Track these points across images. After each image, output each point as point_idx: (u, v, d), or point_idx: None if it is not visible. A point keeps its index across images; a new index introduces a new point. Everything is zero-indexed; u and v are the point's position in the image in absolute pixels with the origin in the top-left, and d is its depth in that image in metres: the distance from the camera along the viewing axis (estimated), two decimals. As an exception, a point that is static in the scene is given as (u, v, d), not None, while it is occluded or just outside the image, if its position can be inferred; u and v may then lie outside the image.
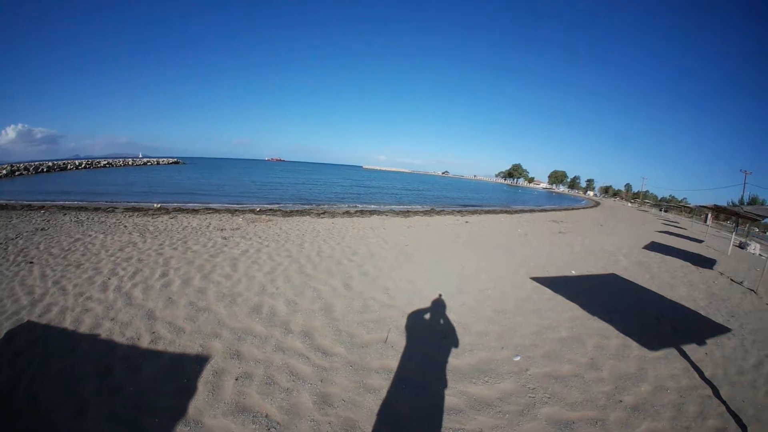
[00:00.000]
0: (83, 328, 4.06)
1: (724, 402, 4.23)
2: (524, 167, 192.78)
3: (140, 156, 68.92)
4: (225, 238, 8.92)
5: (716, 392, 4.39)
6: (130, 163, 57.15)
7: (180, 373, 3.38)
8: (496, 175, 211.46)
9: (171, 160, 74.95)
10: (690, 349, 5.44)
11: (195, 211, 14.73)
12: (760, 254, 20.32)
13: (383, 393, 3.38)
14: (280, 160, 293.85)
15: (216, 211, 15.21)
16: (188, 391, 3.16)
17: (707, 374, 4.76)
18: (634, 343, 5.29)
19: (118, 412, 2.86)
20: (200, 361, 3.59)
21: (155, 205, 15.94)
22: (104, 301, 4.80)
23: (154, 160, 68.82)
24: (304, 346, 4.08)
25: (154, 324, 4.25)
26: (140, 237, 8.51)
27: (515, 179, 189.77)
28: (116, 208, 14.14)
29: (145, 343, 3.85)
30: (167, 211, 13.95)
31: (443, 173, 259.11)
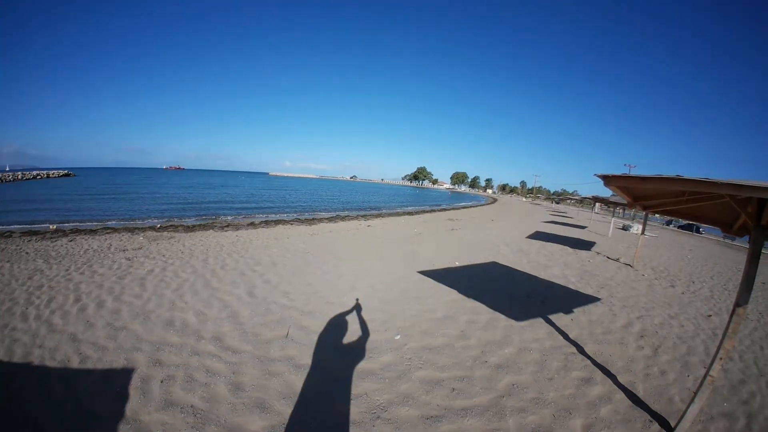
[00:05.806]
0: (17, 358, 4.20)
1: (589, 357, 4.93)
2: (429, 170, 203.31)
3: (7, 169, 61.17)
4: (129, 259, 8.89)
5: (581, 350, 5.15)
6: (19, 177, 50.90)
7: (112, 384, 3.76)
8: (403, 178, 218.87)
9: (62, 172, 67.16)
10: (556, 317, 6.44)
11: (93, 231, 13.99)
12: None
13: (286, 376, 4.12)
14: (180, 168, 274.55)
15: (115, 230, 14.56)
16: (122, 397, 3.58)
17: (572, 336, 5.66)
18: (502, 317, 6.23)
19: (68, 425, 3.18)
20: (127, 371, 4.00)
21: (51, 227, 14.83)
22: (28, 330, 4.88)
23: (44, 172, 61.13)
24: (216, 348, 4.63)
25: (80, 346, 4.48)
26: (45, 264, 8.18)
27: (420, 181, 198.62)
28: (13, 232, 12.91)
29: (75, 363, 4.11)
30: (65, 233, 13.06)
31: (351, 178, 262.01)
